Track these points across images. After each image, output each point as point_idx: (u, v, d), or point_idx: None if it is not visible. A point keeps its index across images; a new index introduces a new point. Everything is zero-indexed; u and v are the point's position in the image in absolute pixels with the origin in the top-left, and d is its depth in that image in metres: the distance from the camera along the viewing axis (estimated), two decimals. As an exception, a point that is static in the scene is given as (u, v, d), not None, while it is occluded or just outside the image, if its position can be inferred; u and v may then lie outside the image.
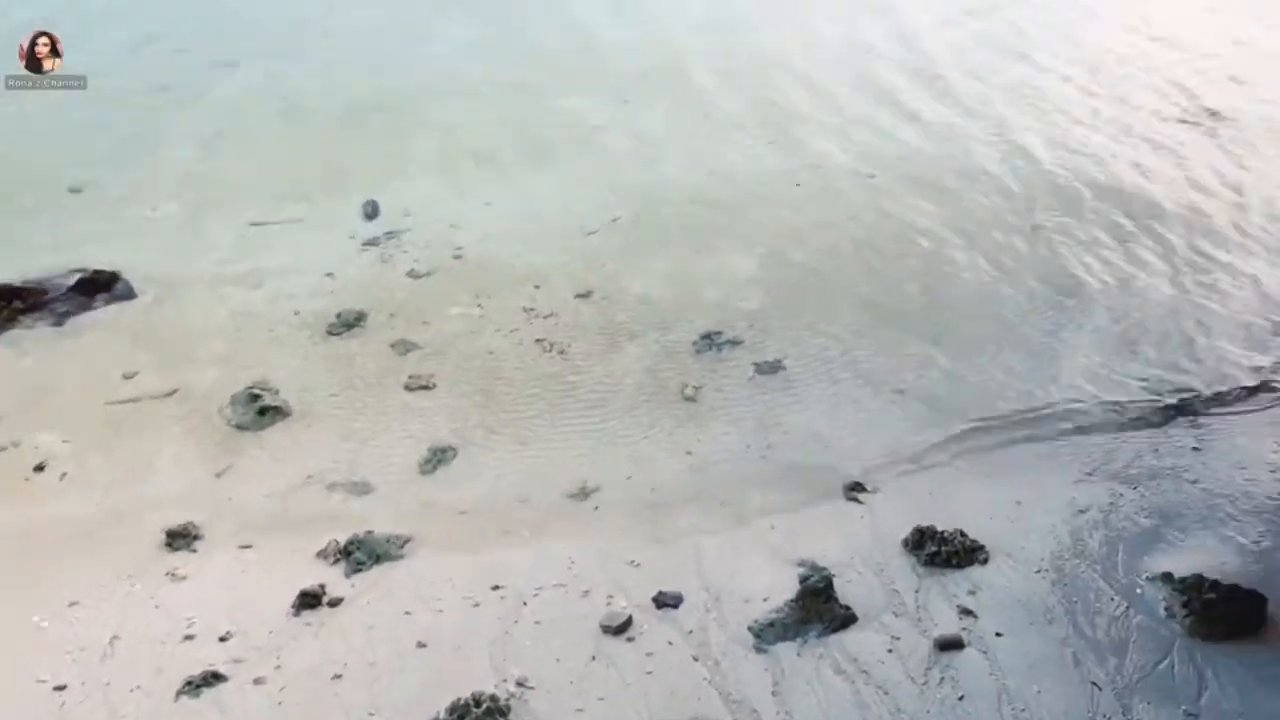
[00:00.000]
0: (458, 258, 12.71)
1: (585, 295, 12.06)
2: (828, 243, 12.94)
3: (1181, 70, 16.61)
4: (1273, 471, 9.65)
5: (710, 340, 11.38)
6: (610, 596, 8.40)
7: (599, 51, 17.54)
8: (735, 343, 11.35)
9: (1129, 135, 14.94)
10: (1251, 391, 10.57)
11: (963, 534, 8.86)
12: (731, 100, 16.04)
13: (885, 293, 12.12)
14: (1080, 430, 10.24)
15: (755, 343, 11.37)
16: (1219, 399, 10.51)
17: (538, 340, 11.38)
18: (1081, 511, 9.31)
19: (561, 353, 11.21)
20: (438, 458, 9.93)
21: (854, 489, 9.59)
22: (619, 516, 9.29)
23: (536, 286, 12.19)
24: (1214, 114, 15.32)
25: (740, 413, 10.53)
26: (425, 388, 10.77)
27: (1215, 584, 8.23)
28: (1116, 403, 10.53)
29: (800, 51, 17.42)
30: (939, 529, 8.87)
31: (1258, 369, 10.87)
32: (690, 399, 10.67)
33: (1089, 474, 9.73)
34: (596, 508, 9.39)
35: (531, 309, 11.84)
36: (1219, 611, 8.05)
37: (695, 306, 11.90)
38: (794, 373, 10.99)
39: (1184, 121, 15.29)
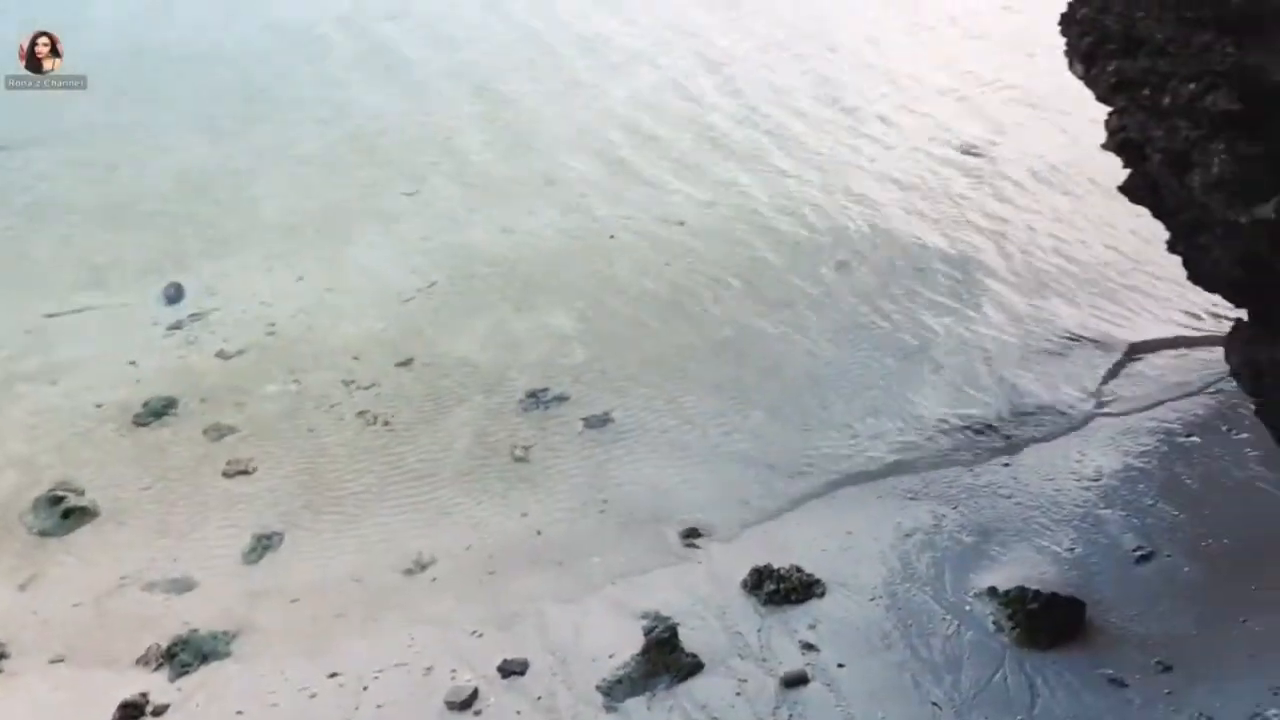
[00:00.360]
0: (270, 334, 12.31)
1: (406, 363, 11.84)
2: (645, 292, 13.08)
3: (953, 110, 17.48)
4: (1078, 481, 10.17)
5: (536, 398, 11.33)
6: (454, 671, 8.20)
7: (393, 122, 17.37)
8: (562, 399, 11.32)
9: (908, 176, 15.57)
10: (1050, 409, 11.10)
11: (799, 569, 9.01)
12: (536, 161, 16.09)
13: (704, 337, 12.31)
14: (900, 459, 10.56)
15: (582, 397, 11.36)
16: (1023, 419, 11.00)
17: (360, 413, 11.10)
18: (908, 535, 9.59)
19: (386, 424, 10.95)
20: (263, 545, 9.54)
21: (690, 535, 9.65)
22: (458, 587, 9.10)
23: (355, 358, 11.91)
24: (975, 150, 16.13)
25: (573, 469, 10.49)
26: (245, 472, 10.36)
27: (1037, 594, 8.60)
28: (930, 430, 10.90)
29: (587, 112, 17.63)
30: (775, 567, 9.00)
31: (1052, 388, 11.41)
32: (521, 459, 10.58)
33: (912, 498, 10.05)
34: (434, 580, 9.18)
35: (351, 381, 11.55)
36: (1042, 621, 8.40)
37: (519, 365, 11.84)
38: (623, 424, 11.02)
39: (957, 158, 16.07)
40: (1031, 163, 15.66)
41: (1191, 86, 7.10)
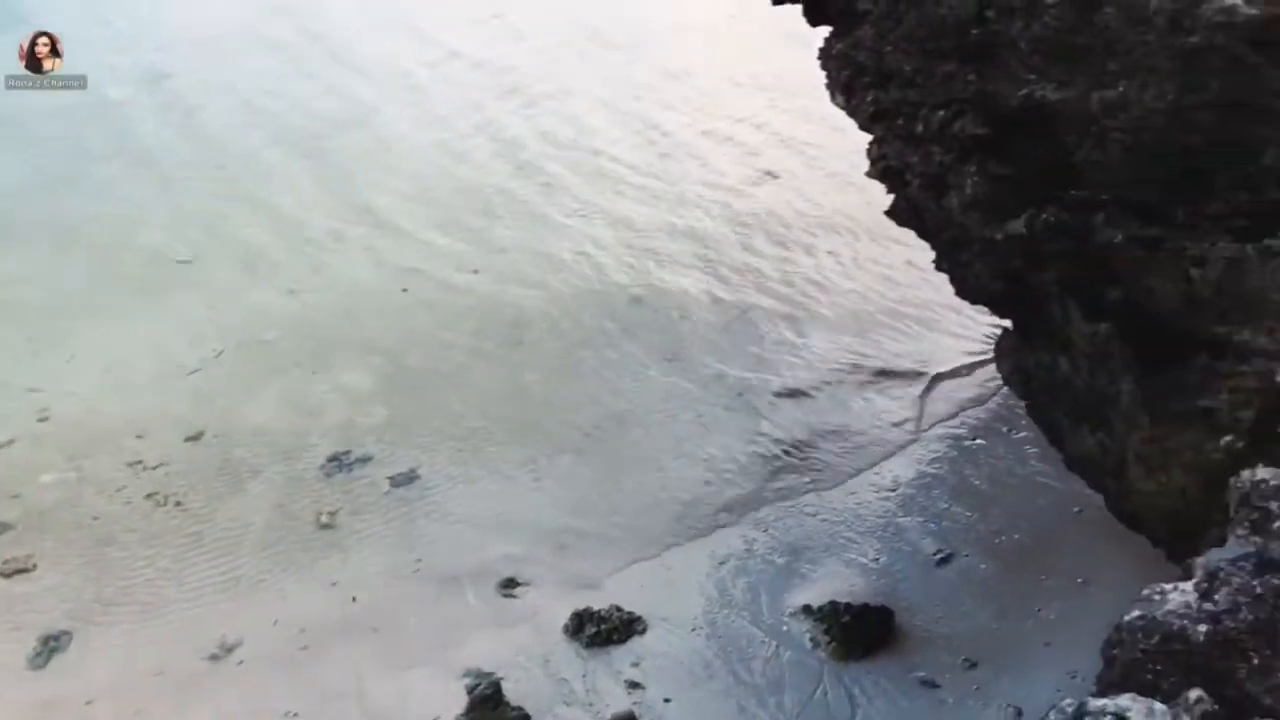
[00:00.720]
0: (43, 421, 11.52)
1: (196, 437, 11.30)
2: (444, 344, 12.91)
3: (733, 152, 18.01)
4: (877, 493, 10.59)
5: (339, 462, 11.01)
6: (270, 759, 7.84)
7: (170, 180, 16.65)
8: (365, 460, 11.04)
9: (696, 222, 15.90)
10: (852, 433, 11.52)
11: (619, 609, 9.03)
12: (322, 217, 15.68)
13: (507, 385, 12.24)
14: (711, 490, 10.73)
15: (386, 456, 11.10)
16: (826, 443, 11.37)
17: (149, 495, 10.51)
18: (722, 563, 9.76)
19: (178, 504, 10.42)
20: (50, 647, 8.90)
21: (508, 586, 9.55)
22: (267, 667, 8.70)
23: (139, 437, 11.28)
24: (772, 174, 16.71)
25: (382, 531, 10.22)
26: (24, 570, 9.66)
27: (848, 607, 8.89)
28: (737, 461, 11.13)
29: (371, 163, 17.35)
30: (595, 609, 9.00)
31: (855, 415, 11.84)
32: (327, 526, 10.25)
33: (723, 526, 10.24)
34: (241, 663, 8.75)
35: (138, 462, 10.94)
36: (855, 632, 8.68)
37: (317, 429, 11.46)
38: (430, 480, 10.82)
39: (753, 183, 16.59)
40: (818, 200, 16.18)
41: (941, 114, 7.56)
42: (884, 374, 12.33)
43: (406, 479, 10.80)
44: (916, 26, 7.43)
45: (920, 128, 7.77)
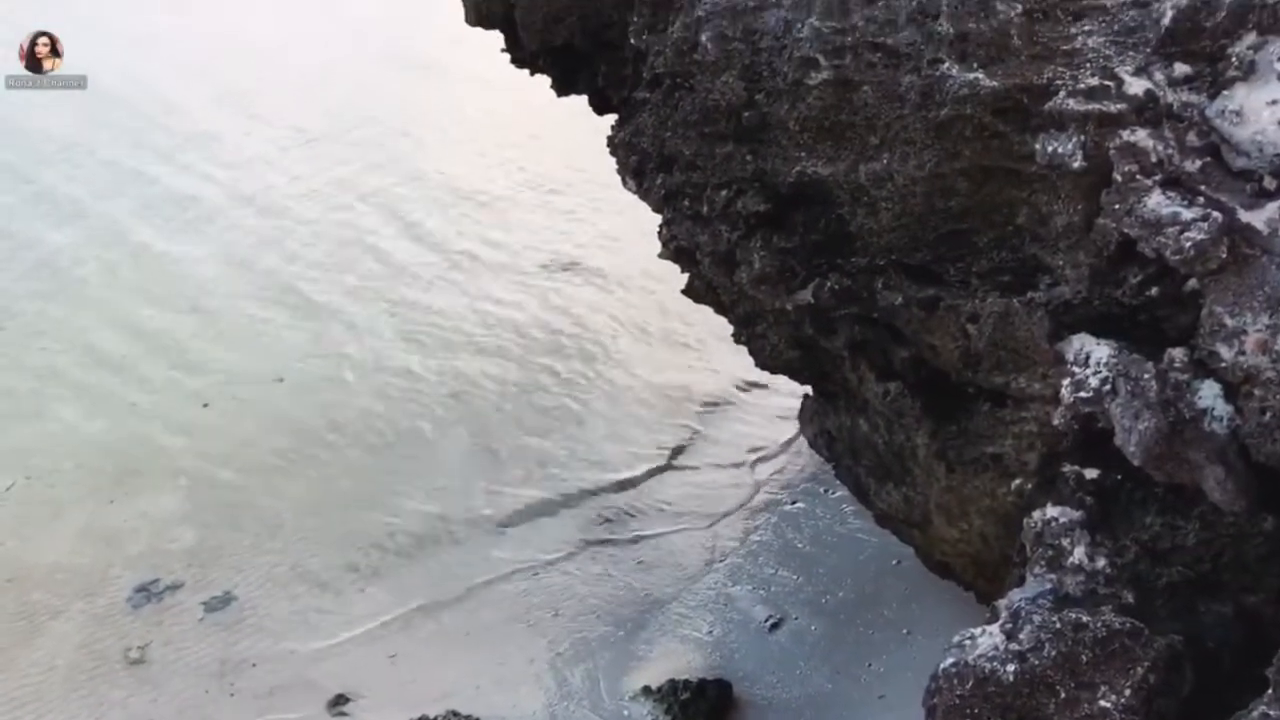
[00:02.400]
0: None
1: (-14, 583, 10.59)
2: (252, 457, 12.46)
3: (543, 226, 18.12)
4: (706, 564, 10.70)
5: (147, 592, 10.48)
6: None
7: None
8: (175, 587, 10.55)
9: (499, 309, 15.85)
10: (670, 511, 11.65)
11: (455, 714, 8.81)
12: (113, 334, 14.96)
13: (321, 493, 11.90)
14: (540, 575, 10.65)
15: (198, 581, 10.64)
16: (649, 517, 11.45)
17: (-63, 651, 9.76)
18: (559, 653, 9.66)
19: (-30, 656, 9.70)
20: None
21: (338, 704, 9.23)
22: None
23: (-78, 589, 10.50)
24: (576, 264, 16.82)
25: (198, 659, 9.80)
26: None
27: (686, 684, 8.90)
28: (566, 543, 11.10)
29: (163, 272, 16.70)
30: (432, 716, 8.75)
31: (669, 489, 11.99)
32: (138, 661, 9.75)
33: (556, 615, 10.15)
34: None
35: (-79, 616, 10.16)
36: (694, 709, 8.70)
37: (121, 560, 10.90)
38: (247, 599, 10.43)
39: (560, 271, 16.67)
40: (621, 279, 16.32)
41: (724, 193, 7.81)
42: (700, 450, 12.54)
43: (221, 602, 10.37)
44: (692, 112, 7.69)
45: (706, 208, 8.01)
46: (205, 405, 13.29)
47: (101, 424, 13.03)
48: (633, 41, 8.45)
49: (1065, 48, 6.15)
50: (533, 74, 10.67)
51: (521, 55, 10.46)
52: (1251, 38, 5.66)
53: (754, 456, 12.22)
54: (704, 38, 7.44)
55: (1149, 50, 5.92)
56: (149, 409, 13.29)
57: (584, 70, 9.93)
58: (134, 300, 15.50)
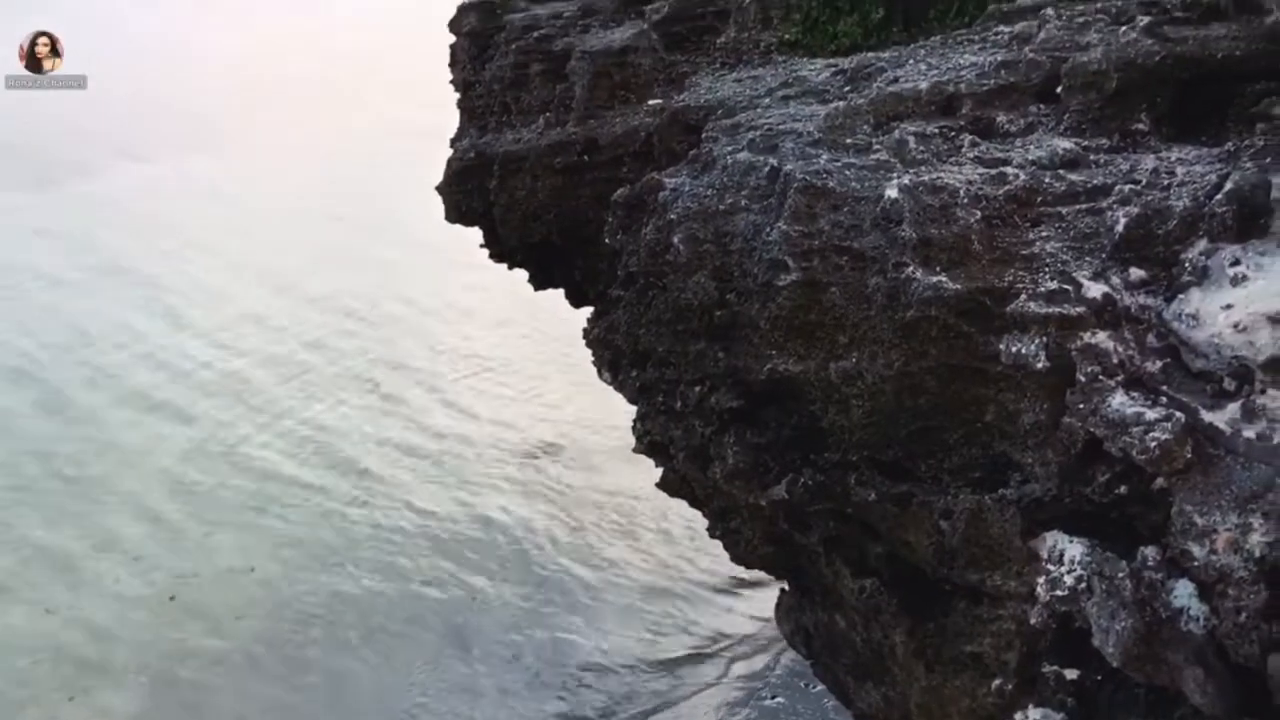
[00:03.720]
0: None
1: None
2: (218, 651, 12.14)
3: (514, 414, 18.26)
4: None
5: (99, 799, 9.98)
6: None
7: None
8: (130, 794, 10.07)
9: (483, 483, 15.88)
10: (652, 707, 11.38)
11: None
12: (74, 527, 14.70)
13: (292, 688, 11.59)
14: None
15: (154, 787, 10.17)
16: (626, 710, 11.16)
17: None
18: None
19: None
20: None
21: None
22: None
23: None
24: (550, 447, 16.90)
25: None
26: None
27: None
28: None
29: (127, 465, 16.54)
30: None
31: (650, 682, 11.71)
32: None
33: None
34: None
35: None
36: None
37: (76, 763, 10.44)
38: (204, 808, 9.94)
39: (529, 456, 16.71)
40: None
41: (697, 389, 7.91)
42: (679, 640, 12.33)
43: (176, 810, 9.89)
44: (665, 310, 7.85)
45: (679, 403, 8.09)
46: (172, 598, 13.01)
47: (60, 617, 12.71)
48: (607, 241, 8.70)
49: (1024, 252, 6.35)
50: (511, 268, 10.93)
51: (500, 250, 10.73)
52: (1203, 244, 5.87)
53: (732, 650, 11.99)
54: (676, 239, 7.66)
55: (1105, 255, 6.13)
56: (112, 602, 13.00)
57: (561, 265, 10.19)
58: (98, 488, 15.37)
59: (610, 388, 9.44)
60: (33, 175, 28.12)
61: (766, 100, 8.96)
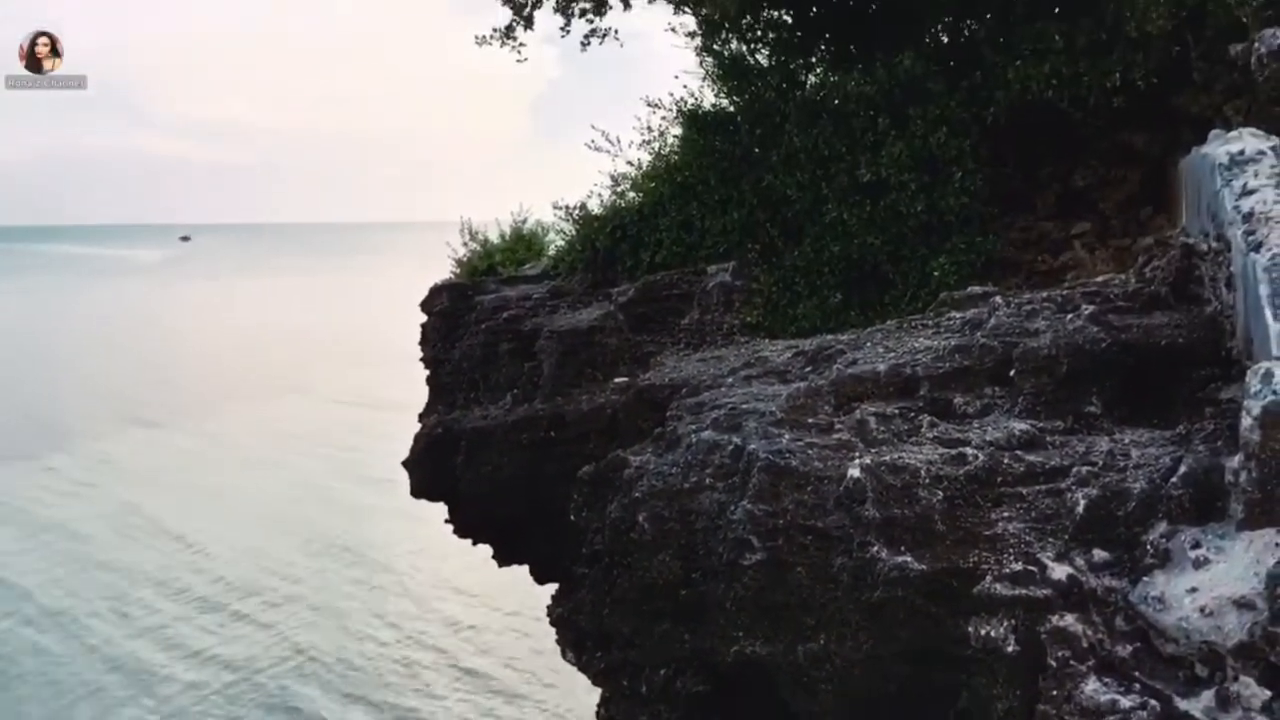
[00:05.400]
0: None
1: None
2: None
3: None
4: None
5: None
6: None
7: None
8: None
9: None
10: None
11: None
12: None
13: None
14: None
15: None
16: None
17: None
18: None
19: None
20: None
21: None
22: None
23: None
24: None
25: None
26: None
27: None
28: None
29: None
30: None
31: None
32: None
33: None
34: None
35: None
36: None
37: None
38: None
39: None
40: None
41: (663, 672, 7.68)
42: None
43: None
44: (629, 590, 7.72)
45: (644, 688, 7.83)
46: None
47: None
48: (573, 518, 8.66)
49: (987, 533, 6.37)
50: (475, 544, 10.82)
51: (464, 526, 10.66)
52: (1163, 526, 5.91)
53: None
54: (641, 517, 7.63)
55: (1067, 536, 6.15)
56: None
57: (525, 542, 10.09)
58: None
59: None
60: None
61: (730, 380, 9.17)
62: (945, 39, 13.65)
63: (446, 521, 10.79)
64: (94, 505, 26.13)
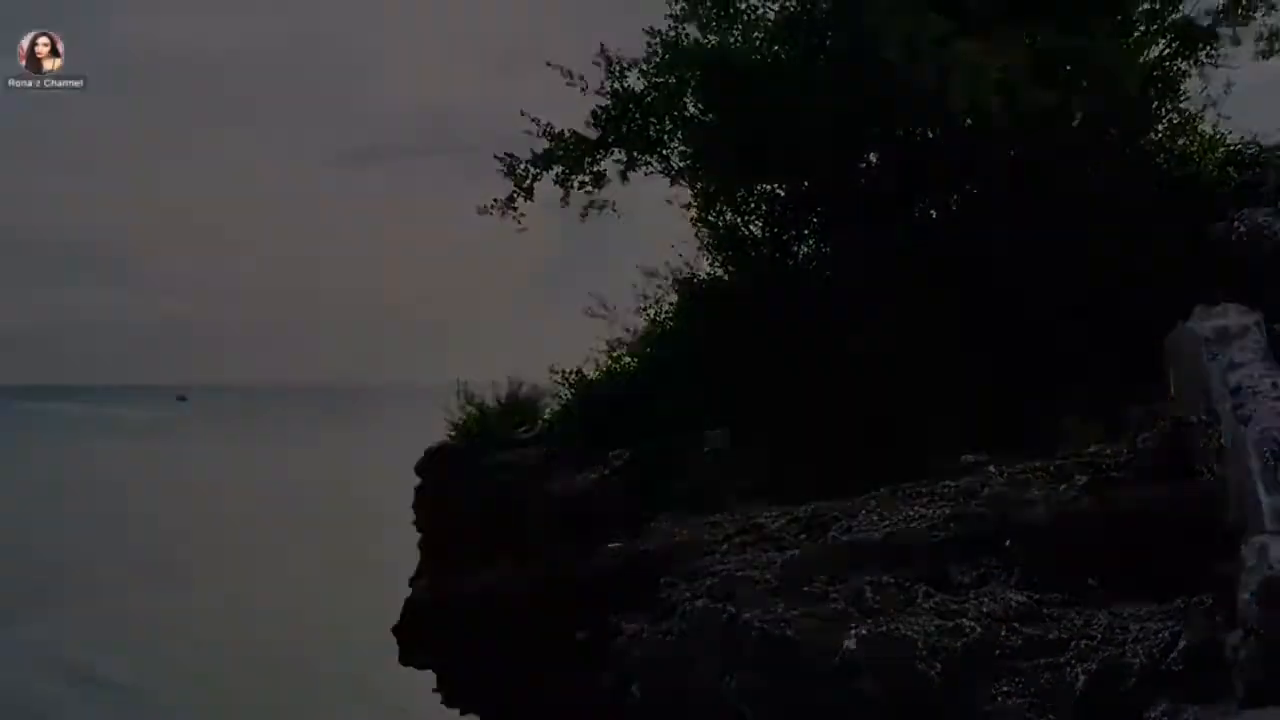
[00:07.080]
0: None
1: None
2: None
3: None
4: None
5: None
6: None
7: None
8: None
9: None
10: None
11: None
12: None
13: None
14: None
15: None
16: None
17: None
18: None
19: None
20: None
21: None
22: None
23: None
24: None
25: None
26: None
27: None
28: None
29: None
30: None
31: None
32: None
33: None
34: None
35: None
36: None
37: None
38: None
39: None
40: None
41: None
42: None
43: None
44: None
45: None
46: None
47: None
48: (566, 684, 8.52)
49: (987, 708, 6.25)
50: (464, 713, 10.57)
51: (453, 694, 10.43)
52: (1164, 704, 5.81)
53: None
54: (634, 686, 7.51)
55: (1069, 715, 6.03)
56: None
57: (518, 710, 9.86)
58: None
59: None
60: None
61: (724, 546, 9.10)
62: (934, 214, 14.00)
63: (434, 690, 10.54)
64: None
